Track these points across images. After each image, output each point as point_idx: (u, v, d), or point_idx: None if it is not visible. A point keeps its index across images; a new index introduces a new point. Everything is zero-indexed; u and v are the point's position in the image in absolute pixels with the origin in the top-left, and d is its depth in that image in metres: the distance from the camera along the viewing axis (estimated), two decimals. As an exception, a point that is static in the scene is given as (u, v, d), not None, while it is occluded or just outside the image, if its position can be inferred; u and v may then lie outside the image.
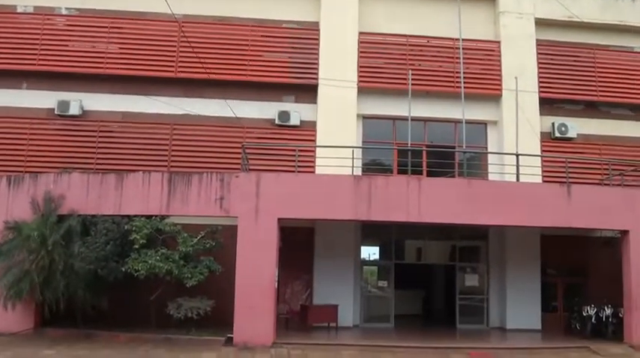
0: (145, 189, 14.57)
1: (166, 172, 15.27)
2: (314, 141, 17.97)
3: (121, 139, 17.72)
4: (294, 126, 18.30)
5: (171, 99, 17.98)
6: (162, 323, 14.73)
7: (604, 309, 16.48)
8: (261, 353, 13.15)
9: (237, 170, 15.73)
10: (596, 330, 16.39)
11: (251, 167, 16.40)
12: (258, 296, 14.06)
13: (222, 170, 15.60)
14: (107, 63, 17.97)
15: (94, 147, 17.61)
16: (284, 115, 18.19)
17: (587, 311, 16.59)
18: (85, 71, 17.87)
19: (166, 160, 17.60)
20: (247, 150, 16.36)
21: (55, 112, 17.72)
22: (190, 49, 17.11)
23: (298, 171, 15.58)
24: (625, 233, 15.89)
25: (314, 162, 17.15)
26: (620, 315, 16.10)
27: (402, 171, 17.50)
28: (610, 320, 16.40)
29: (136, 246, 14.05)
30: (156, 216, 14.74)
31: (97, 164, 17.36)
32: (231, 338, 14.00)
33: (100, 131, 17.78)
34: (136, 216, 14.58)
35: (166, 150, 17.74)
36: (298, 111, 18.35)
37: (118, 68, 17.97)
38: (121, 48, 18.17)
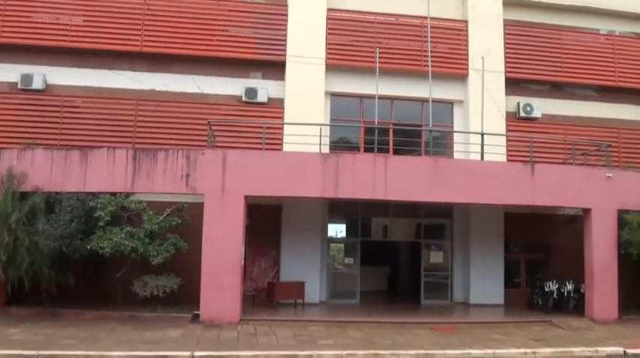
0: (110, 165, 14.49)
1: (131, 149, 15.16)
2: (281, 118, 18.00)
3: (85, 115, 17.46)
4: (261, 103, 18.27)
5: (136, 74, 17.79)
6: (128, 301, 14.80)
7: (566, 285, 17.09)
8: (228, 329, 13.31)
9: (203, 147, 15.74)
10: (557, 305, 16.99)
11: (218, 144, 16.39)
12: (224, 274, 14.19)
13: (189, 147, 15.63)
14: (71, 36, 17.60)
15: (58, 123, 17.34)
16: (251, 92, 18.14)
17: (550, 287, 17.16)
18: (48, 44, 17.48)
19: (131, 136, 17.44)
20: (214, 127, 16.35)
21: (18, 86, 17.33)
22: (156, 23, 16.92)
23: (265, 149, 15.64)
24: (587, 211, 16.44)
25: (281, 139, 17.21)
26: (582, 290, 16.76)
27: (369, 149, 17.72)
28: (571, 295, 17.03)
29: (101, 224, 14.01)
30: (121, 193, 14.69)
31: (61, 140, 17.09)
32: (198, 315, 14.17)
33: (64, 106, 17.48)
34: (100, 193, 14.50)
35: (131, 126, 17.56)
36: (266, 88, 18.31)
37: (82, 41, 17.62)
38: (85, 20, 17.79)
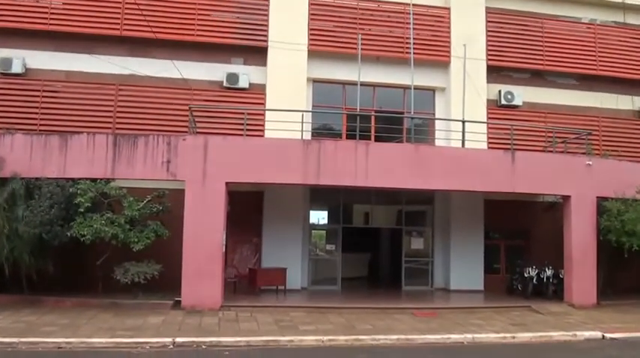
0: (90, 151, 14.40)
1: (111, 134, 15.10)
2: (263, 104, 17.98)
3: (65, 99, 17.30)
4: (242, 89, 18.23)
5: (116, 58, 17.63)
6: (109, 288, 14.80)
7: (545, 270, 17.43)
8: (209, 316, 13.37)
9: (184, 133, 15.70)
10: (537, 291, 17.31)
11: (199, 130, 16.34)
12: (205, 261, 14.23)
13: (169, 133, 15.55)
14: (51, 19, 17.39)
15: (38, 108, 17.16)
16: (232, 78, 18.09)
17: (529, 273, 17.47)
18: (28, 27, 17.25)
19: (112, 122, 17.35)
20: (195, 113, 16.30)
21: (-3, 71, 17.16)
22: (136, 7, 16.75)
23: (247, 135, 15.63)
24: (567, 198, 16.70)
25: (263, 125, 17.19)
26: (561, 276, 17.09)
27: (350, 136, 17.78)
28: (551, 280, 17.37)
29: (81, 210, 13.95)
30: (101, 179, 14.62)
31: (41, 125, 16.94)
32: (179, 301, 14.21)
33: (44, 90, 17.31)
34: (80, 179, 14.43)
35: (112, 111, 17.46)
36: (247, 74, 18.27)
37: (62, 24, 17.40)
38: (65, 3, 17.55)
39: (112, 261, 14.70)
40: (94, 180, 14.52)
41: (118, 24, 17.61)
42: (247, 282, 17.02)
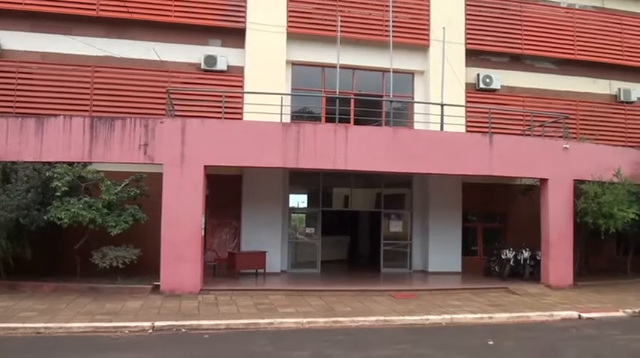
0: (67, 134, 14.22)
1: (88, 117, 14.93)
2: (241, 87, 17.91)
3: (41, 81, 17.06)
4: (220, 72, 18.14)
5: (92, 39, 17.38)
6: (87, 272, 14.75)
7: (522, 252, 17.71)
8: (189, 299, 13.41)
9: (162, 116, 15.61)
10: (514, 272, 17.60)
11: (176, 113, 16.27)
12: (184, 245, 14.23)
13: (147, 116, 15.46)
14: (27, -2, 17.12)
15: (13, 89, 16.92)
16: (210, 60, 17.97)
17: (506, 255, 17.73)
18: (3, 6, 16.91)
19: (88, 104, 17.17)
20: (172, 96, 16.21)
21: (-28, 52, 16.86)
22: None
23: (225, 118, 15.58)
24: (544, 181, 16.96)
25: (241, 109, 17.16)
26: (538, 258, 17.39)
27: (330, 120, 17.80)
28: (528, 262, 17.68)
29: (58, 194, 13.84)
30: (78, 162, 14.49)
31: (17, 107, 16.73)
32: (158, 286, 14.21)
33: (19, 72, 17.05)
34: (57, 162, 14.29)
35: (88, 93, 17.26)
36: (225, 56, 18.15)
37: (38, 4, 17.04)
38: (40, -18, 17.29)
39: (90, 246, 14.65)
40: (71, 163, 14.39)
41: (95, 4, 17.33)
42: (227, 266, 17.04)
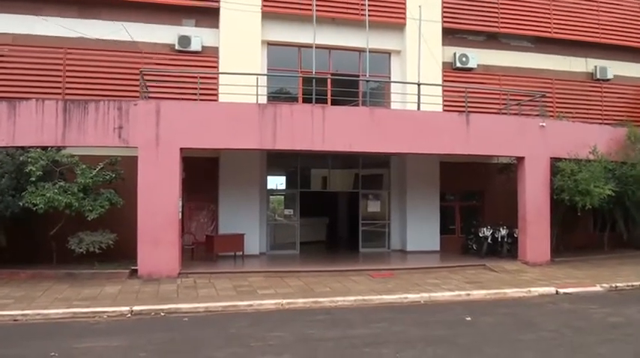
0: (39, 118, 14.06)
1: (61, 100, 14.75)
2: (216, 68, 17.82)
3: (12, 64, 16.78)
4: (195, 52, 18.01)
5: (65, 20, 17.14)
6: (63, 258, 14.72)
7: (499, 230, 18.04)
8: (167, 283, 13.47)
9: (136, 98, 15.50)
10: (492, 250, 17.96)
11: (151, 95, 16.17)
12: (161, 228, 14.24)
13: (121, 98, 15.36)
14: (-5, -22, 16.77)
15: (-17, 73, 16.67)
16: (184, 40, 17.82)
17: (484, 233, 18.07)
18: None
19: (61, 87, 16.98)
20: (146, 77, 16.09)
21: (-60, 34, 16.49)
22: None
23: (200, 100, 15.52)
24: (521, 159, 17.23)
25: (217, 90, 17.13)
26: (515, 235, 17.74)
27: (307, 100, 17.77)
28: (505, 240, 18.02)
29: (33, 179, 13.73)
30: (52, 147, 14.39)
31: (-13, 91, 16.50)
32: (136, 270, 14.23)
33: (-10, 55, 16.79)
34: (31, 147, 14.17)
35: (60, 76, 17.07)
36: (199, 36, 18.00)
37: (7, -16, 16.80)
38: (8, -40, 16.93)
39: (66, 232, 14.60)
40: (44, 148, 14.29)
41: (66, -18, 17.08)
42: (205, 249, 17.12)
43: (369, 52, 17.57)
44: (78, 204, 14.02)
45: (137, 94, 16.06)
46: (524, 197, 17.16)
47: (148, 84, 16.21)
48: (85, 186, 14.28)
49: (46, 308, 10.64)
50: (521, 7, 20.82)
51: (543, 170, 17.15)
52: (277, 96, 19.36)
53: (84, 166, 14.52)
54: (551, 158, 17.25)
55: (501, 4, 20.61)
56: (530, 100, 18.91)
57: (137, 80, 15.92)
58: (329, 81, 18.97)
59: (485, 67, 20.63)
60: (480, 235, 18.12)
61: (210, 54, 18.09)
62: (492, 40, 20.89)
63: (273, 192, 19.75)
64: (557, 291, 13.03)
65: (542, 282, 13.97)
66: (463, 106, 17.36)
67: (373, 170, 20.52)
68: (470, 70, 20.33)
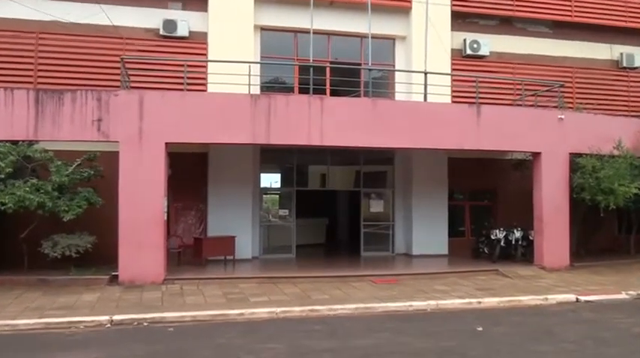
0: (9, 109, 13.93)
1: (33, 90, 14.63)
2: (205, 55, 17.74)
3: (-23, 50, 16.74)
4: (181, 38, 17.92)
5: (37, 2, 16.93)
6: (36, 263, 14.61)
7: (513, 232, 17.95)
8: (151, 290, 13.39)
9: (116, 88, 15.38)
10: (505, 253, 17.87)
11: (133, 85, 16.07)
12: (145, 230, 14.16)
13: (100, 88, 15.24)
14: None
15: (-52, 60, 16.58)
16: (170, 25, 17.72)
17: (496, 235, 17.96)
18: None
19: (33, 75, 16.87)
20: (128, 65, 16.00)
21: None
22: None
23: (187, 90, 15.43)
24: (537, 155, 17.14)
25: (206, 79, 17.06)
26: (530, 238, 17.65)
27: (303, 90, 17.71)
28: (520, 242, 17.94)
29: (2, 176, 13.60)
30: (23, 141, 14.28)
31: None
32: (117, 276, 14.13)
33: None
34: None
35: (32, 63, 16.96)
36: (186, 20, 17.90)
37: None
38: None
39: (39, 234, 14.47)
40: (15, 142, 14.18)
41: (38, -39, 16.98)
42: (192, 253, 17.04)
43: (372, 37, 17.45)
44: (52, 203, 13.88)
45: (118, 84, 15.91)
46: (540, 196, 17.08)
47: (130, 72, 16.10)
48: (60, 184, 14.14)
49: (15, 319, 10.50)
50: (537, -12, 20.73)
51: (562, 166, 17.07)
52: (271, 86, 19.30)
53: (59, 162, 14.38)
54: (570, 153, 17.16)
55: (516, -16, 20.54)
56: (547, 91, 18.83)
57: (118, 68, 15.79)
58: (328, 69, 18.83)
59: (499, 54, 20.53)
60: (492, 237, 18.03)
61: (198, 40, 18.01)
62: (506, 24, 20.78)
63: (267, 190, 19.69)
64: (577, 299, 12.94)
65: (560, 289, 13.90)
66: (474, 97, 17.26)
67: (376, 167, 20.47)
68: (481, 57, 20.24)
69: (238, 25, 17.87)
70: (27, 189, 13.65)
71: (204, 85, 17.06)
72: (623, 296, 13.33)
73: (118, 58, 15.87)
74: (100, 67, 17.05)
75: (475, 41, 20.06)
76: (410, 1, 19.39)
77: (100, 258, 14.80)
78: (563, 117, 17.05)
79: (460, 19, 20.05)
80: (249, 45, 17.96)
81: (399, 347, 8.93)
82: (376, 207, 20.29)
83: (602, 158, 16.78)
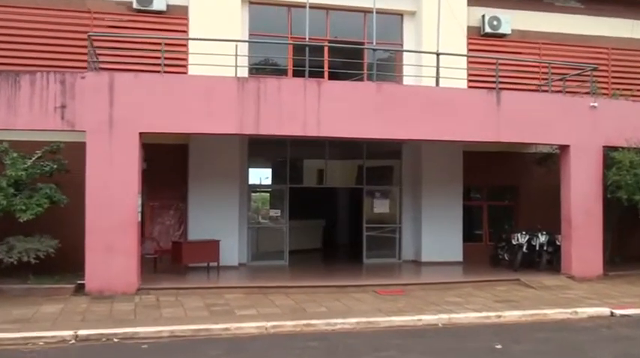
0: (-44, 94, 13.92)
1: (-15, 71, 14.61)
2: (186, 32, 17.73)
3: None
4: (158, 13, 17.88)
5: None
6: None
7: (537, 236, 17.93)
8: (123, 301, 13.36)
9: (83, 69, 15.30)
10: (528, 261, 17.89)
11: (102, 66, 16.00)
12: (116, 233, 14.12)
13: (64, 69, 15.17)
14: None
15: None
16: (145, -3, 17.74)
17: (518, 240, 17.95)
18: None
19: (-16, 56, 16.85)
20: (97, 44, 15.98)
21: None
22: None
23: (165, 72, 15.36)
24: (565, 148, 17.13)
25: (186, 60, 17.01)
26: (557, 243, 17.67)
27: (298, 73, 17.63)
28: (545, 248, 17.94)
29: (-52, 171, 13.60)
30: (-26, 130, 14.25)
31: None
32: (83, 285, 14.11)
33: None
34: (-54, 130, 14.04)
35: (-16, 42, 16.95)
36: (164, -7, 17.92)
37: None
38: None
39: (-8, 236, 14.45)
40: (-36, 131, 14.14)
41: None
42: (171, 259, 17.03)
43: (377, 13, 17.44)
44: (6, 201, 13.84)
45: (85, 65, 15.83)
46: (568, 195, 17.05)
47: (99, 52, 16.07)
48: (16, 179, 14.11)
49: (-37, 334, 10.49)
50: (567, -45, 20.71)
51: (594, 161, 17.05)
52: (262, 68, 19.33)
53: (15, 155, 14.36)
54: (603, 147, 17.15)
55: (542, -50, 20.49)
56: (578, 74, 18.77)
57: (85, 47, 15.71)
58: (326, 49, 18.82)
59: (522, 32, 20.49)
60: (513, 242, 18.04)
61: (177, 15, 18.00)
62: (531, -2, 20.75)
63: (256, 188, 19.74)
64: (612, 313, 12.90)
65: (592, 301, 13.88)
66: (493, 82, 17.21)
67: (380, 161, 20.53)
68: (502, 36, 20.23)
69: (223, -2, 17.85)
70: (-22, 185, 13.63)
71: (185, 66, 17.03)
72: (665, 310, 13.31)
73: (85, 35, 15.75)
74: (64, 45, 17.01)
75: (495, 17, 20.00)
76: (420, -29, 19.36)
77: (64, 264, 14.78)
78: (596, 104, 17.02)
79: (477, -8, 20.03)
80: (235, 21, 17.91)
81: (407, 367, 8.90)
82: (380, 207, 20.29)
83: (642, 152, 16.77)
